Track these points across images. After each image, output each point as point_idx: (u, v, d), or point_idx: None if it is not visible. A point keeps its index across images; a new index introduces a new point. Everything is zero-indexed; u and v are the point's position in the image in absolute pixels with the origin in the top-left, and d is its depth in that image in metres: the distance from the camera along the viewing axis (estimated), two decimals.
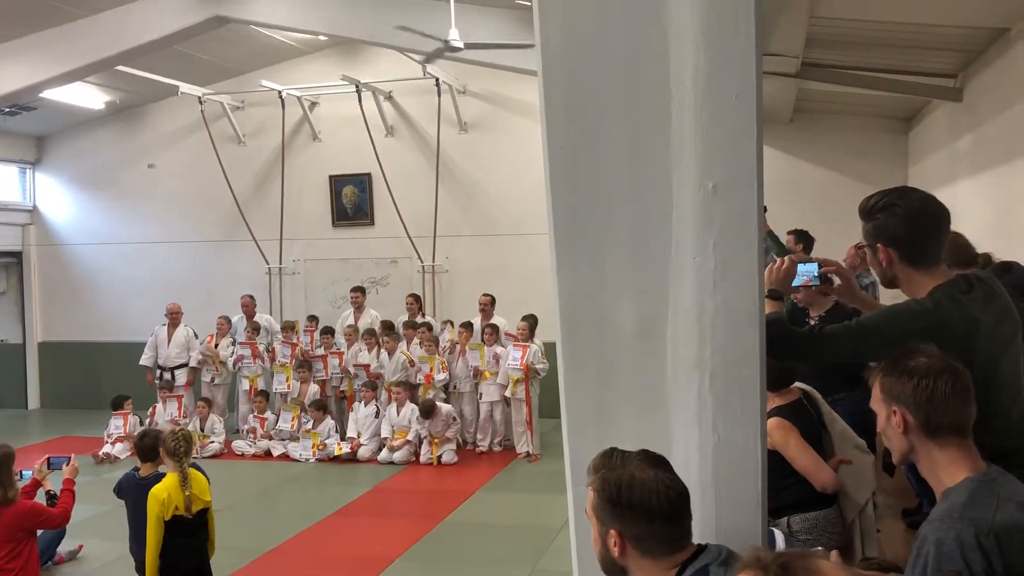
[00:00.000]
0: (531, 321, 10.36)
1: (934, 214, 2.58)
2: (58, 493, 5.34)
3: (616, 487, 2.05)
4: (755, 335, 2.38)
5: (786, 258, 2.83)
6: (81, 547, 7.17)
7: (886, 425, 2.24)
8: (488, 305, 11.00)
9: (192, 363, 11.66)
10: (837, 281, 3.03)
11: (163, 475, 5.30)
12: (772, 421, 3.90)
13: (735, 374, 2.39)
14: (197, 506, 5.11)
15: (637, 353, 2.46)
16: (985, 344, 2.48)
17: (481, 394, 10.60)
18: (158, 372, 11.66)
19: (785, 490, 3.83)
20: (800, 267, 2.90)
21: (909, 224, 2.53)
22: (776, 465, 3.84)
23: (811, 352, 2.69)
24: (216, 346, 11.59)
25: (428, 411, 10.13)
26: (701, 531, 2.32)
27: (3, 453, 4.94)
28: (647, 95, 2.39)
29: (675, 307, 2.42)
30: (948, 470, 2.15)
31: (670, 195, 2.39)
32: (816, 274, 2.93)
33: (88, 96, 12.82)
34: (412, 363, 10.66)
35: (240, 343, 11.54)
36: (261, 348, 11.54)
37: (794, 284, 2.90)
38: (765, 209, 4.47)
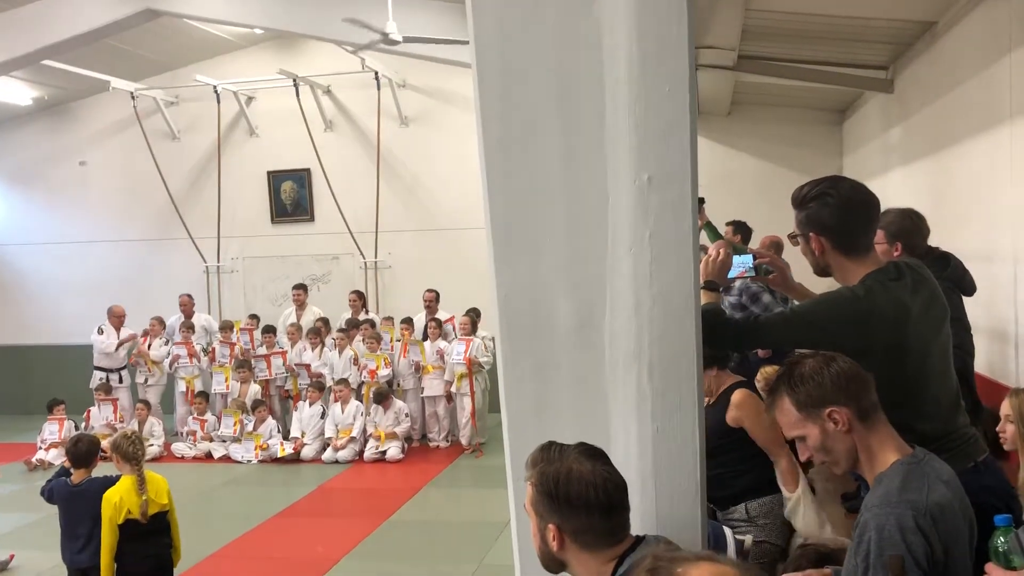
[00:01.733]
0: (473, 315, 10.33)
1: (864, 203, 2.63)
2: None
3: (554, 481, 2.04)
4: (692, 326, 2.39)
5: (721, 249, 2.85)
6: (12, 556, 6.95)
7: (824, 437, 2.19)
8: (433, 301, 10.94)
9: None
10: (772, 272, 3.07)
11: (97, 480, 5.18)
12: (741, 393, 3.91)
13: (673, 365, 2.40)
14: (153, 509, 5.00)
15: (576, 346, 2.46)
16: (916, 330, 2.54)
17: (423, 389, 10.54)
18: (103, 375, 11.34)
19: (744, 475, 3.86)
20: (735, 258, 2.92)
21: (840, 213, 2.58)
22: (735, 448, 3.86)
23: (747, 341, 2.72)
24: (149, 347, 11.33)
25: (382, 396, 10.07)
26: (641, 521, 2.34)
27: None
28: (581, 88, 2.39)
29: (612, 299, 2.42)
30: (879, 455, 2.19)
31: (605, 188, 2.39)
32: (751, 265, 2.96)
33: (14, 91, 12.41)
34: (356, 361, 10.55)
35: (175, 343, 11.30)
36: (198, 348, 11.31)
37: (729, 276, 2.92)
38: (703, 200, 4.50)
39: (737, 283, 6.27)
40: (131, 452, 5.02)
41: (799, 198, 2.66)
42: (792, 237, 2.73)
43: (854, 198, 2.60)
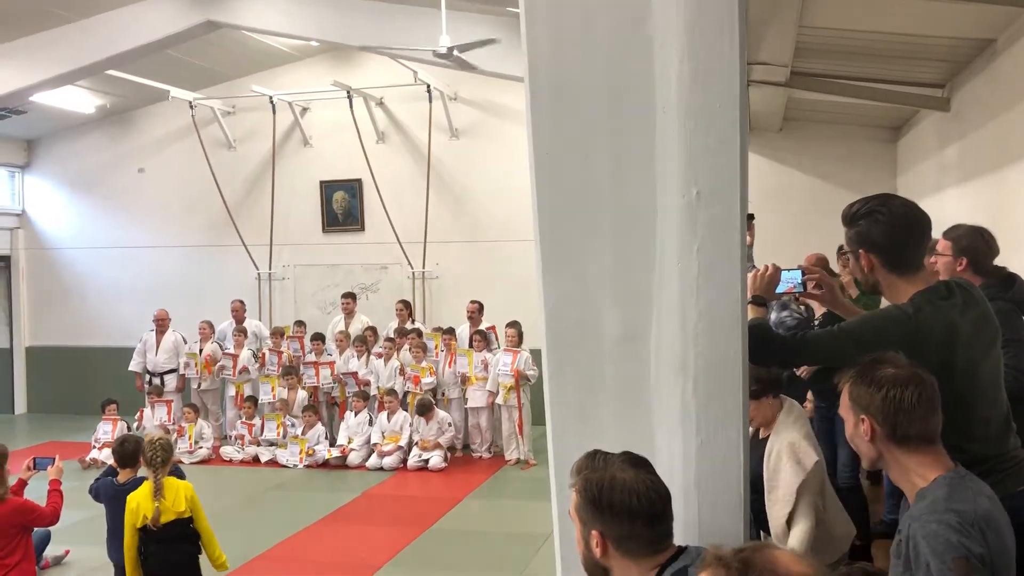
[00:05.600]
0: (518, 328, 10.36)
1: (915, 221, 2.61)
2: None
3: (598, 488, 2.07)
4: (738, 340, 2.41)
5: (770, 264, 2.85)
6: (68, 552, 7.15)
7: (854, 432, 2.28)
8: (476, 312, 11.00)
9: (180, 369, 11.64)
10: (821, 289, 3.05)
11: (142, 480, 5.23)
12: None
13: (718, 379, 2.41)
14: (166, 517, 5.03)
15: (621, 357, 2.48)
16: (964, 350, 2.51)
17: (467, 400, 10.60)
18: (147, 377, 11.64)
19: None
20: (784, 274, 2.92)
21: (891, 230, 2.57)
22: None
23: (793, 357, 2.71)
24: (200, 351, 11.54)
25: (425, 408, 10.15)
26: (683, 533, 2.34)
27: None
28: (632, 103, 2.42)
29: (659, 312, 2.44)
30: (918, 472, 2.20)
31: (654, 201, 2.42)
32: (800, 281, 2.96)
33: (79, 100, 12.80)
34: (403, 371, 10.65)
35: (224, 353, 11.51)
36: (247, 354, 11.48)
37: (777, 291, 2.93)
38: (752, 216, 4.48)
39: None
40: (150, 458, 5.08)
41: (849, 215, 2.65)
42: (842, 254, 2.72)
43: (905, 216, 2.59)
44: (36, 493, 5.52)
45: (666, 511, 2.11)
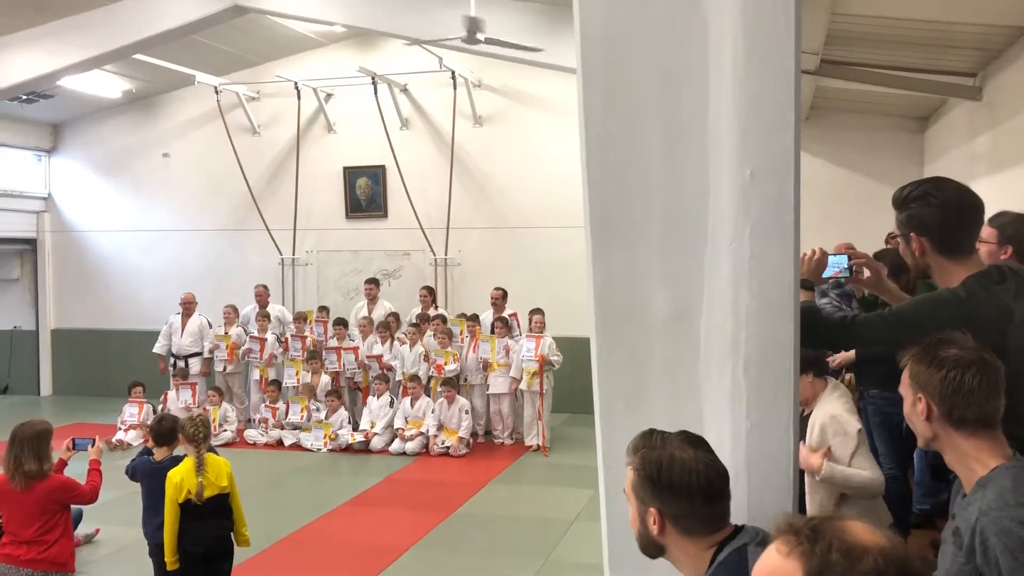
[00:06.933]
0: (543, 314, 10.36)
1: (968, 204, 2.60)
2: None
3: (656, 466, 2.07)
4: (789, 322, 2.39)
5: (817, 249, 2.85)
6: (98, 531, 7.24)
7: (911, 410, 2.27)
8: (500, 299, 11.01)
9: (205, 352, 11.72)
10: (867, 273, 3.05)
11: (180, 458, 5.32)
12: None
13: (769, 361, 2.40)
14: (209, 492, 5.13)
15: (671, 338, 2.47)
16: (1017, 335, 2.50)
17: (489, 386, 10.63)
18: (171, 360, 11.74)
19: None
20: (830, 258, 2.92)
21: (943, 214, 2.55)
22: None
23: (843, 340, 2.70)
24: (226, 334, 11.63)
25: (451, 383, 10.25)
26: (733, 515, 2.33)
27: (42, 428, 5.02)
28: (685, 83, 2.41)
29: (710, 293, 2.43)
30: (976, 457, 2.17)
31: (707, 182, 2.41)
32: (846, 266, 2.96)
33: (105, 84, 12.88)
34: (427, 357, 10.68)
35: (250, 337, 11.58)
36: (272, 339, 11.56)
37: (824, 275, 2.92)
38: None
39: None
40: (191, 434, 5.20)
41: (900, 199, 2.64)
42: (892, 237, 2.71)
43: (958, 199, 2.58)
44: (72, 472, 5.58)
45: (724, 490, 2.12)
